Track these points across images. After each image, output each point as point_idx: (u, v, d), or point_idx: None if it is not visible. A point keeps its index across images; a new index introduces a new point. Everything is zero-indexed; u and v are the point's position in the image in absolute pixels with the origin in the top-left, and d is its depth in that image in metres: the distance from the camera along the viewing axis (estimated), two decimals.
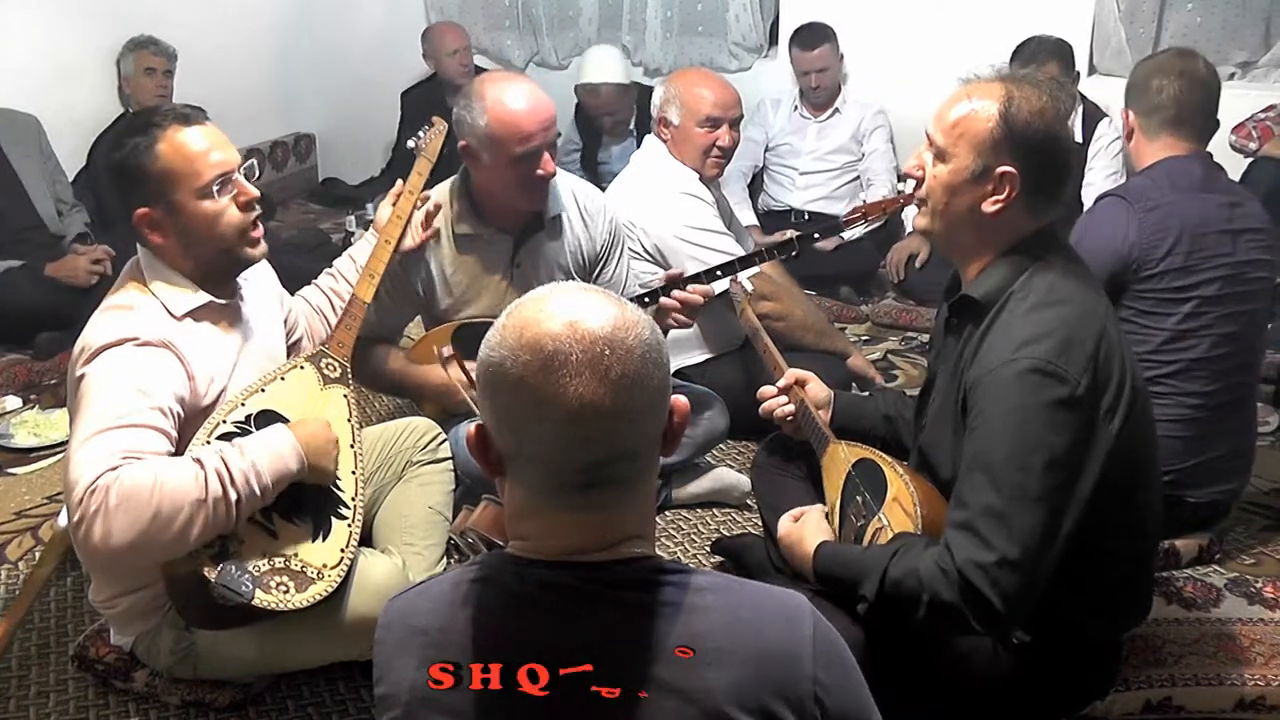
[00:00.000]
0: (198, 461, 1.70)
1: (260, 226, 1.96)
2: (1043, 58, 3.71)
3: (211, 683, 1.99)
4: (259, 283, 2.10)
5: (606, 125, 4.64)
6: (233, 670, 1.98)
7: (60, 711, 2.02)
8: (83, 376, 1.75)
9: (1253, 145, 3.69)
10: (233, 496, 1.69)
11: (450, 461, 2.30)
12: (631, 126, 4.62)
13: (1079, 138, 3.90)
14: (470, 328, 2.50)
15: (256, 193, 1.94)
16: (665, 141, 2.93)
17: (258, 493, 1.74)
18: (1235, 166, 3.69)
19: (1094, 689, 1.84)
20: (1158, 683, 2.06)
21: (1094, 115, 3.96)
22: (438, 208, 2.43)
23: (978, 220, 1.67)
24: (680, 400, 1.12)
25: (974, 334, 1.69)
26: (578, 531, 1.07)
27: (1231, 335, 2.30)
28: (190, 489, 1.65)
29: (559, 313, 1.05)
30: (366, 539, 2.16)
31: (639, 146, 3.09)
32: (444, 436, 2.31)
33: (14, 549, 2.56)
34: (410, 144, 2.53)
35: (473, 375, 1.46)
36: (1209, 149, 2.39)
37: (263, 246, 1.97)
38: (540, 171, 2.38)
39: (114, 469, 1.63)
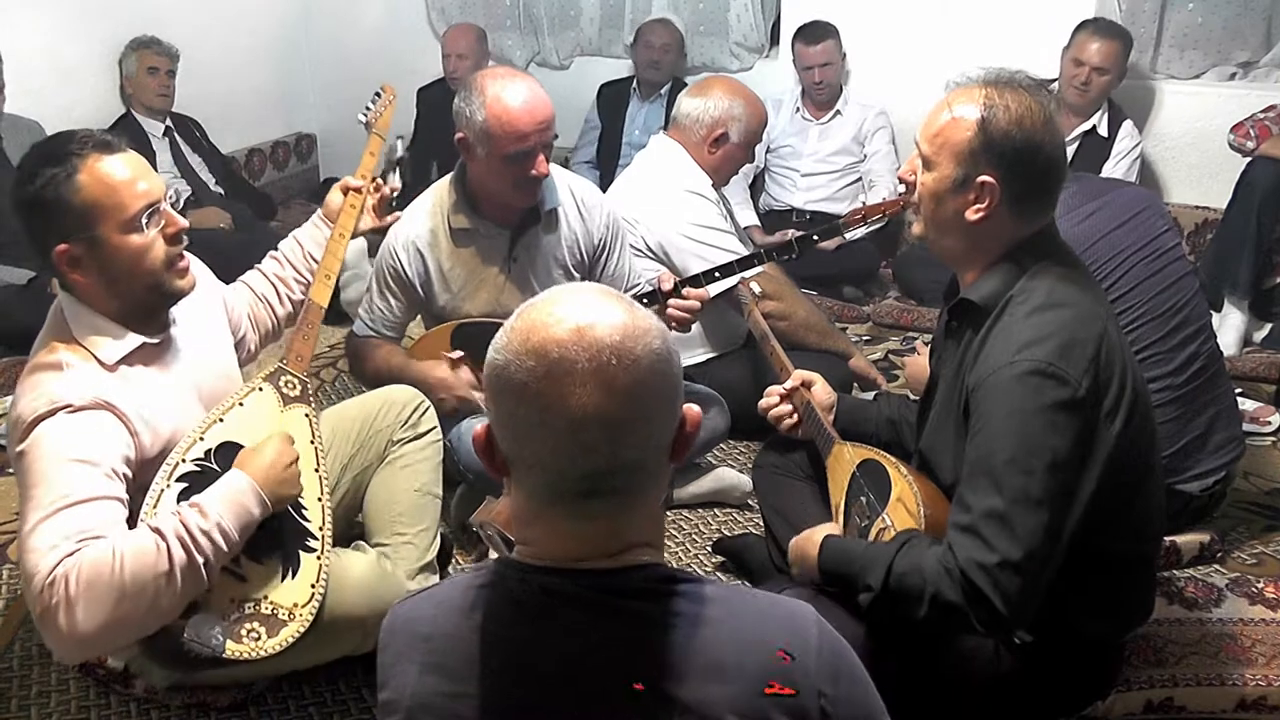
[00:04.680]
0: (157, 531, 1.60)
1: (186, 257, 1.84)
2: (1107, 32, 3.78)
3: (212, 684, 1.98)
4: (196, 295, 1.93)
5: (645, 74, 4.68)
6: (226, 680, 1.96)
7: (61, 711, 2.03)
8: (21, 454, 1.65)
9: (1250, 145, 3.68)
10: (199, 560, 1.61)
11: (435, 432, 2.23)
12: (663, 92, 4.68)
13: (1104, 133, 3.92)
14: (470, 326, 2.50)
15: (185, 223, 1.82)
16: (713, 154, 2.92)
17: (224, 547, 1.65)
18: (1234, 166, 3.70)
19: (1095, 689, 1.84)
20: (1159, 683, 2.06)
21: (1118, 116, 3.98)
22: (394, 191, 2.37)
23: (964, 228, 1.67)
24: (692, 409, 1.09)
25: (974, 338, 1.69)
26: (580, 539, 1.06)
27: (1171, 308, 2.30)
28: (153, 562, 1.56)
29: (567, 317, 1.02)
30: (362, 534, 2.16)
31: (665, 121, 3.06)
32: (426, 405, 2.25)
33: (14, 549, 2.56)
34: (360, 119, 2.41)
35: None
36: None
37: (190, 278, 1.85)
38: (534, 172, 2.38)
39: (71, 554, 1.53)
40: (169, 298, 1.84)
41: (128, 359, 1.78)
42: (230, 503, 1.69)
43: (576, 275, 2.62)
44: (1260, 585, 2.37)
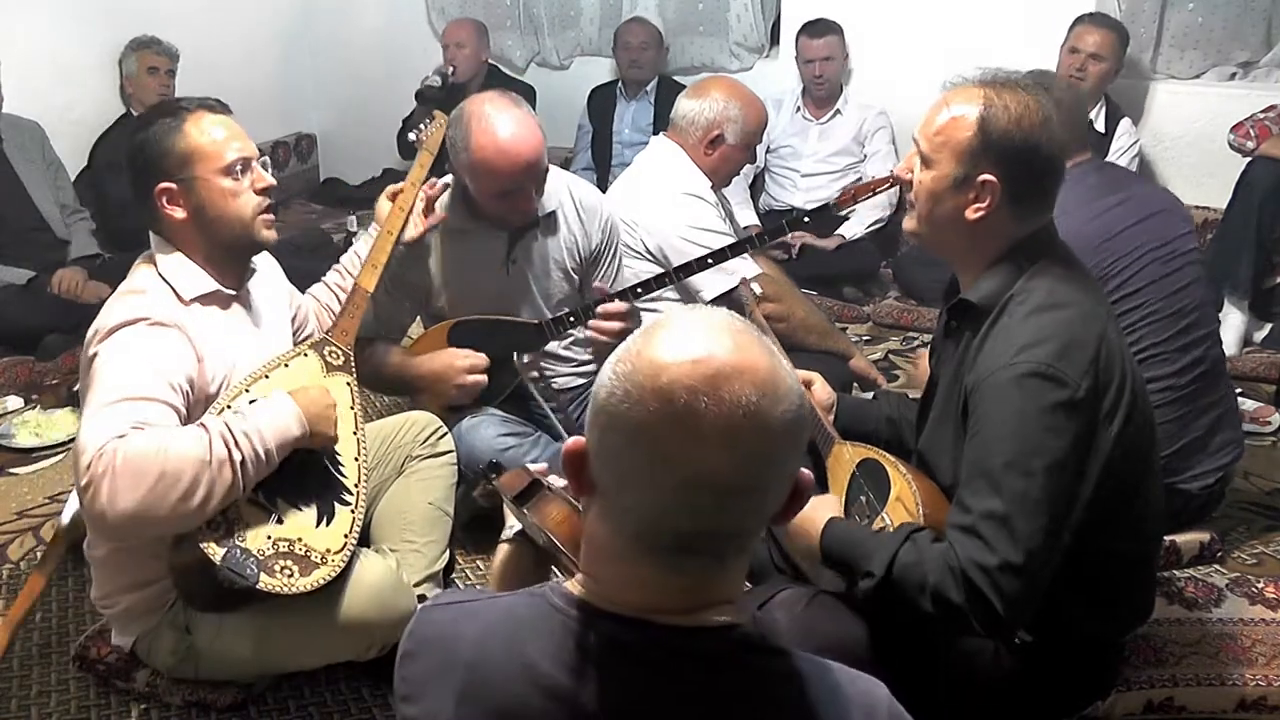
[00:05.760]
0: (202, 425, 1.74)
1: (272, 215, 2.00)
2: (1102, 22, 3.84)
3: (213, 683, 2.00)
4: (267, 278, 2.12)
5: (627, 73, 4.72)
6: (231, 671, 1.98)
7: (62, 711, 2.03)
8: (95, 355, 1.78)
9: (1250, 145, 3.68)
10: (237, 458, 1.71)
11: (452, 455, 2.29)
12: (649, 89, 4.72)
13: (1101, 129, 3.94)
14: (466, 325, 2.51)
15: (273, 181, 1.98)
16: (709, 156, 2.90)
17: (261, 455, 1.76)
18: (1234, 166, 3.69)
19: (1096, 689, 1.84)
20: (1159, 683, 2.06)
21: (1115, 112, 4.00)
22: (437, 195, 2.41)
23: (962, 227, 1.67)
24: (806, 473, 0.99)
25: (973, 338, 1.68)
26: (659, 591, 0.97)
27: (1180, 310, 2.31)
28: (194, 450, 1.68)
29: (703, 359, 0.91)
30: (365, 536, 2.16)
31: (653, 118, 3.03)
32: (444, 430, 2.30)
33: (15, 549, 2.56)
34: (411, 137, 2.54)
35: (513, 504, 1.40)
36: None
37: (274, 232, 2.01)
38: (522, 207, 2.40)
39: (122, 436, 1.65)
40: (253, 245, 1.99)
41: (203, 299, 1.93)
42: (272, 415, 1.81)
43: (575, 277, 2.63)
44: (1260, 585, 2.37)
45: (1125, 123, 3.98)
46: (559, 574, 1.51)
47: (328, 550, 1.85)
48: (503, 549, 1.44)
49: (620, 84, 4.80)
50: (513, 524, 1.46)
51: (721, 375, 0.90)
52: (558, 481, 1.41)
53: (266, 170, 1.98)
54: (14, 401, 3.30)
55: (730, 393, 0.90)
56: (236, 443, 1.72)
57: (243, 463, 1.72)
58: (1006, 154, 1.61)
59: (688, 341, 0.93)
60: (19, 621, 2.18)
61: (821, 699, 0.97)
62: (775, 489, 0.96)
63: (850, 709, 0.98)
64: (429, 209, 2.40)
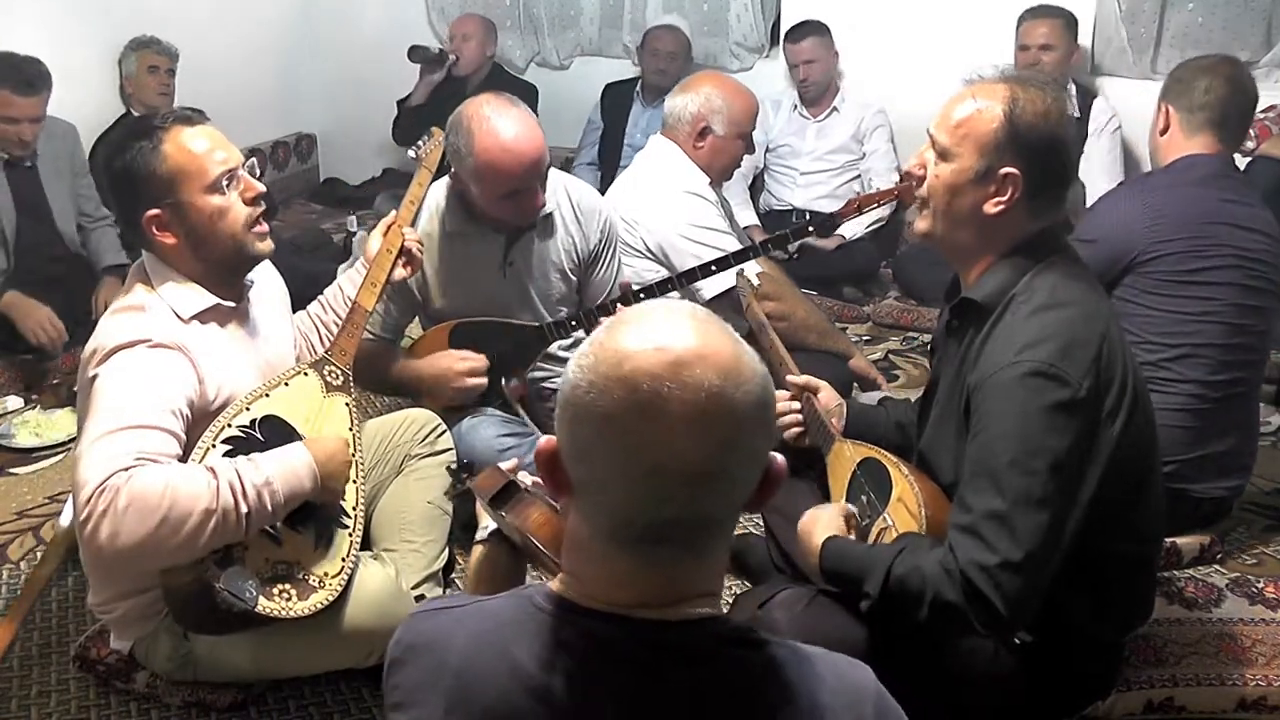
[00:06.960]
0: (211, 471, 1.69)
1: (265, 223, 1.96)
2: (1044, 13, 3.91)
3: (212, 684, 1.99)
4: (267, 287, 2.09)
5: (650, 79, 4.66)
6: (229, 676, 1.98)
7: (62, 711, 2.02)
8: (95, 377, 1.75)
9: (1250, 145, 3.69)
10: (243, 510, 1.68)
11: (451, 453, 2.29)
12: (667, 97, 4.66)
13: (1075, 113, 3.95)
14: (468, 327, 2.51)
15: (262, 188, 1.95)
16: (700, 149, 2.89)
17: (269, 509, 1.73)
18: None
19: (1096, 689, 1.85)
20: (1159, 683, 2.06)
21: (1087, 92, 4.04)
22: (421, 245, 2.36)
23: (979, 221, 1.67)
24: (778, 458, 0.99)
25: (976, 337, 1.68)
26: (637, 584, 0.98)
27: (1243, 327, 2.33)
28: (201, 498, 1.64)
29: (666, 347, 0.92)
30: (365, 536, 2.16)
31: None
32: (443, 428, 2.30)
33: (15, 549, 2.56)
34: (410, 154, 2.53)
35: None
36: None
37: (269, 242, 1.96)
38: (530, 205, 2.40)
39: (126, 470, 1.62)
40: (249, 259, 1.95)
41: (201, 315, 1.89)
42: (286, 468, 1.77)
43: (573, 278, 2.63)
44: (1260, 585, 2.37)
45: (1099, 103, 4.03)
46: (538, 573, 1.51)
47: (325, 574, 1.84)
48: (477, 550, 1.45)
49: (640, 87, 4.74)
50: (487, 524, 1.46)
51: (683, 361, 0.92)
52: (527, 478, 1.42)
53: (254, 175, 1.94)
54: (14, 401, 3.30)
55: (693, 377, 0.91)
56: (245, 494, 1.69)
57: (248, 514, 1.69)
58: (1030, 147, 1.62)
59: (649, 330, 0.94)
60: (20, 622, 2.18)
61: (804, 689, 0.97)
62: (744, 475, 0.97)
63: (834, 698, 0.98)
64: (410, 259, 2.30)
